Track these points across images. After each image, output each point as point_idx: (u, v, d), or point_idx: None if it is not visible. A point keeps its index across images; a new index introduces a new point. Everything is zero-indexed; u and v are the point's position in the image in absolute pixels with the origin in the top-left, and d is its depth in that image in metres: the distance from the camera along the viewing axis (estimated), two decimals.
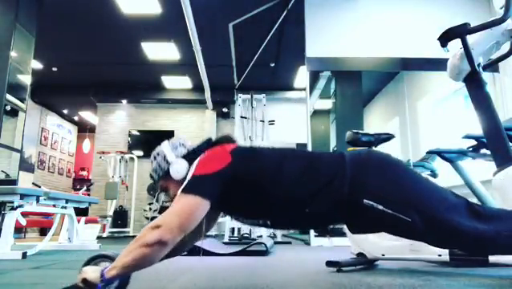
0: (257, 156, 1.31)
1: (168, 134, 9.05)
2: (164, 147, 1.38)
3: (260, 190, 1.23)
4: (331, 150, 8.51)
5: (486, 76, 1.70)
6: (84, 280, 1.11)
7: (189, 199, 1.15)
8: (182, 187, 1.17)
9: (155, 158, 1.37)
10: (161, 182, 1.38)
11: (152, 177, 1.40)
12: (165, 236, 1.09)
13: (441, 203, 1.17)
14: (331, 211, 1.23)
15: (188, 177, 1.20)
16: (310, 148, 4.97)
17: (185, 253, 3.37)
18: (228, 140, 1.38)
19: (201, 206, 1.15)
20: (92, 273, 1.12)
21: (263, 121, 6.25)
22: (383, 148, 2.33)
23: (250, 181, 1.23)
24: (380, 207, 1.15)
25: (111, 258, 1.26)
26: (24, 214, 2.91)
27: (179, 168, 1.31)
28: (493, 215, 1.18)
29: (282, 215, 1.28)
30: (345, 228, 2.29)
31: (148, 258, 1.10)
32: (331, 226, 1.39)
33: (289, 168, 1.25)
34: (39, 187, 4.42)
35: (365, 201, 1.16)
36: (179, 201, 1.15)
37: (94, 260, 1.28)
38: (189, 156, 1.33)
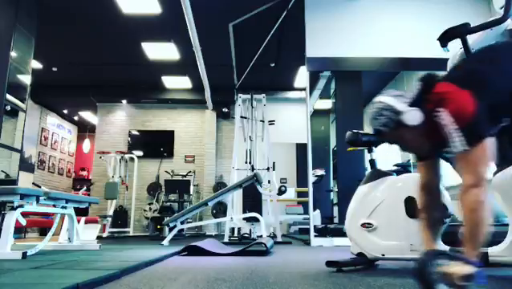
0: (475, 69, 1.42)
1: (168, 134, 9.07)
2: (387, 99, 1.42)
3: (497, 90, 1.35)
4: (331, 150, 8.53)
5: None
6: (464, 277, 1.13)
7: (480, 147, 1.25)
8: (465, 143, 1.24)
9: (381, 114, 1.41)
10: (395, 134, 1.42)
11: (380, 132, 1.44)
12: (483, 183, 1.23)
13: None
14: None
15: (459, 133, 1.25)
16: (309, 148, 4.96)
17: (185, 253, 3.37)
18: (436, 78, 1.44)
19: (489, 145, 1.28)
20: (463, 268, 1.14)
21: (263, 121, 6.25)
22: (383, 148, 2.33)
23: (487, 89, 1.33)
24: None
25: (447, 255, 1.27)
26: (24, 214, 2.91)
27: (413, 116, 1.36)
28: None
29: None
30: (345, 228, 2.29)
31: (488, 211, 1.22)
32: None
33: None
34: (39, 187, 4.42)
35: None
36: (471, 154, 1.25)
37: (431, 261, 1.23)
38: (414, 103, 1.39)
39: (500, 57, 1.43)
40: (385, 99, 1.43)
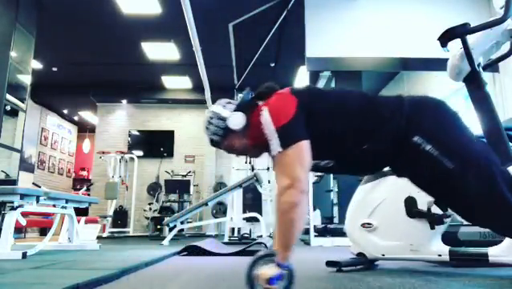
0: (318, 93, 1.37)
1: (168, 134, 9.07)
2: (215, 108, 1.40)
3: (324, 125, 1.28)
4: None
5: (486, 76, 1.70)
6: (268, 280, 1.15)
7: (296, 148, 1.20)
8: (280, 144, 1.20)
9: (210, 122, 1.39)
10: (225, 142, 1.40)
11: (213, 141, 1.41)
12: (301, 186, 1.17)
13: (489, 163, 1.16)
14: (386, 148, 1.26)
15: (275, 134, 1.22)
16: None
17: (185, 253, 3.37)
18: (274, 87, 1.42)
19: (307, 147, 1.22)
20: (270, 270, 1.17)
21: None
22: None
23: (317, 115, 1.27)
24: (428, 147, 1.17)
25: (271, 255, 1.26)
26: (24, 214, 2.91)
27: (237, 120, 1.34)
28: None
29: (343, 153, 1.32)
30: (345, 228, 2.29)
31: (300, 214, 1.18)
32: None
33: (351, 103, 1.31)
34: (39, 187, 4.42)
35: (415, 138, 1.19)
36: (287, 155, 1.20)
37: (259, 260, 1.26)
38: (241, 108, 1.38)
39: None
40: (214, 108, 1.41)
